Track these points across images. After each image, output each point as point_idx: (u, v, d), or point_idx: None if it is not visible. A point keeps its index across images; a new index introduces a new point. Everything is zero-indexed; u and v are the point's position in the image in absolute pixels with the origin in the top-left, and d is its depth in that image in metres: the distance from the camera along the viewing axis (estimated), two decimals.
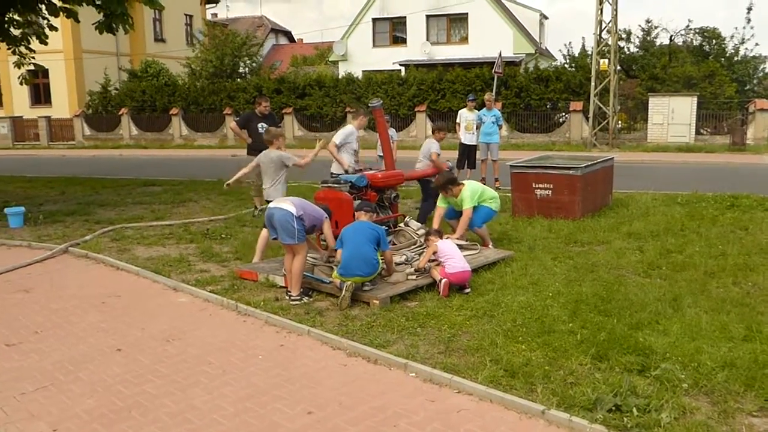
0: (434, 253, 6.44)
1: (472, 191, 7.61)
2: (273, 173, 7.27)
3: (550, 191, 9.64)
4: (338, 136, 8.89)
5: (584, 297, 5.86)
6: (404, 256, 6.77)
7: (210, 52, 33.10)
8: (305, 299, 6.11)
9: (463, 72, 26.09)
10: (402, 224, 8.00)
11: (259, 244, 7.38)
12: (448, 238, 6.87)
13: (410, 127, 27.35)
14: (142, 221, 10.36)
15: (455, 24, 32.33)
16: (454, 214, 7.88)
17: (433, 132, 9.36)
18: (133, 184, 15.57)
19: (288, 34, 55.08)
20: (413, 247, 7.43)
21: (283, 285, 6.45)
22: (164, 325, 5.65)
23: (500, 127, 13.72)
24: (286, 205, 6.14)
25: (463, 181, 7.82)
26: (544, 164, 10.32)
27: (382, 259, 6.12)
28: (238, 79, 32.62)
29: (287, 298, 6.16)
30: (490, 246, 7.73)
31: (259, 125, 10.30)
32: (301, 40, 53.13)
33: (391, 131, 13.01)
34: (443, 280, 6.09)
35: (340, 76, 29.95)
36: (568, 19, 73.39)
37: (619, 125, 24.75)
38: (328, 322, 5.55)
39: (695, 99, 22.38)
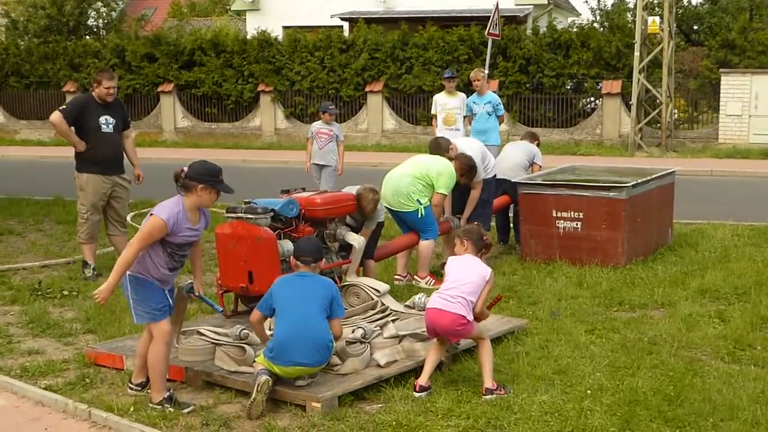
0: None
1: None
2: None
3: (580, 224, 9.77)
4: None
5: (641, 396, 5.89)
6: (360, 330, 6.67)
7: None
8: (168, 408, 5.88)
9: (439, 32, 26.40)
10: (350, 277, 7.94)
11: (139, 351, 6.65)
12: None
13: (358, 116, 27.41)
14: None
15: None
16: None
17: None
18: None
19: None
20: (371, 313, 7.36)
21: (169, 378, 6.27)
22: None
23: (501, 118, 13.84)
24: None
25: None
26: (569, 180, 10.43)
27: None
28: (87, 37, 32.18)
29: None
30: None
31: (102, 120, 9.65)
32: None
33: (335, 127, 12.95)
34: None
35: (248, 36, 29.82)
36: None
37: (676, 116, 25.23)
38: None
39: None
